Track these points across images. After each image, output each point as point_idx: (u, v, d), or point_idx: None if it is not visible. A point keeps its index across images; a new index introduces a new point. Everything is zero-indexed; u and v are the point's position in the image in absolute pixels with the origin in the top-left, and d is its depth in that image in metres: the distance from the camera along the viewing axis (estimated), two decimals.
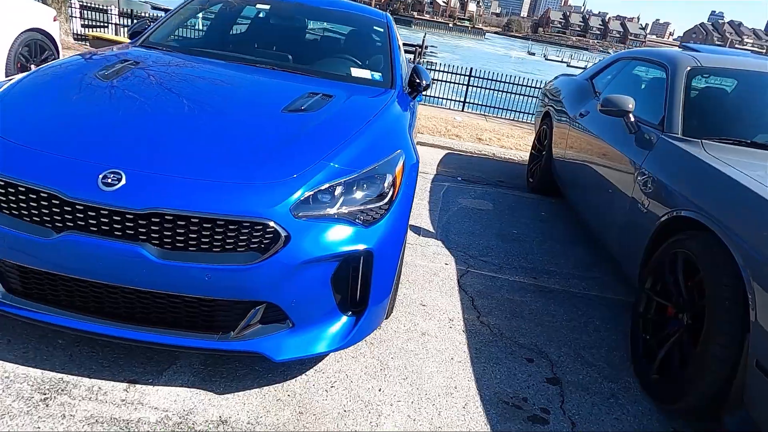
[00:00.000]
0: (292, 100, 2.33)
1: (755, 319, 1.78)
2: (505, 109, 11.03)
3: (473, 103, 10.95)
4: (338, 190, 1.86)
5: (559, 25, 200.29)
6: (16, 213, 1.68)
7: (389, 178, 2.01)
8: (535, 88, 10.85)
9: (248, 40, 3.17)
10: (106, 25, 13.97)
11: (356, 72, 3.02)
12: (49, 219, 1.66)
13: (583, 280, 3.40)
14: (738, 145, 2.64)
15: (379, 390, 2.09)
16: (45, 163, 1.68)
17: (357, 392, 2.06)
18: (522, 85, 10.95)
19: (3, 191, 1.68)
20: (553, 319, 2.86)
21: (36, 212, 1.67)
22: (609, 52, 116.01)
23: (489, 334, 2.61)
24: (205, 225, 1.65)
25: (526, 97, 11.07)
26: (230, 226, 1.67)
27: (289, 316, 1.81)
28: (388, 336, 2.44)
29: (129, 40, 3.15)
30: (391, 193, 1.99)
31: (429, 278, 3.06)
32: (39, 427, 1.65)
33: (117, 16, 13.99)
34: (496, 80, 11.04)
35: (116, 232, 1.65)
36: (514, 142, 7.37)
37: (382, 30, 3.41)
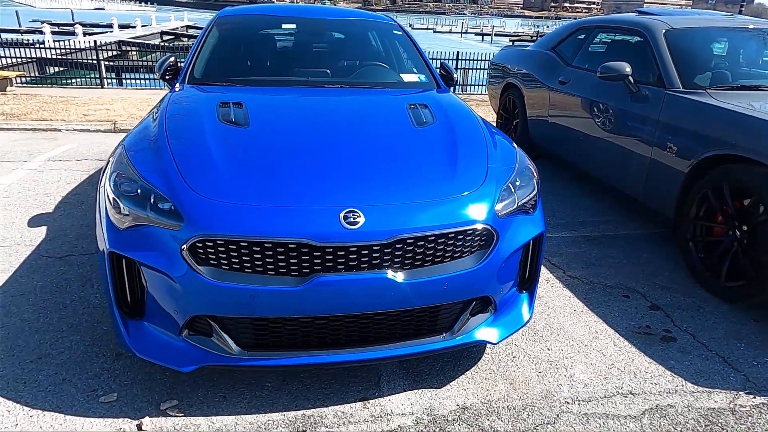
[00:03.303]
0: (408, 114, 2.51)
1: None
2: None
3: None
4: (511, 188, 2.12)
5: None
6: (260, 269, 1.74)
7: (532, 169, 2.31)
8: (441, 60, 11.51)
9: (296, 62, 3.20)
10: None
11: (407, 77, 3.23)
12: (296, 267, 1.75)
13: (609, 224, 3.97)
14: (734, 90, 3.29)
15: (548, 349, 2.43)
16: (287, 215, 1.75)
17: (535, 355, 2.38)
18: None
19: (247, 251, 1.72)
20: (614, 260, 3.38)
21: (283, 264, 1.74)
22: (465, 13, 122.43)
23: (582, 284, 3.05)
24: (439, 240, 1.85)
25: None
26: (458, 236, 1.88)
27: (495, 303, 2.07)
28: None
29: (164, 81, 3.05)
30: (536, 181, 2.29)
31: None
32: None
33: None
34: None
35: (362, 265, 1.79)
36: None
37: (401, 33, 3.61)
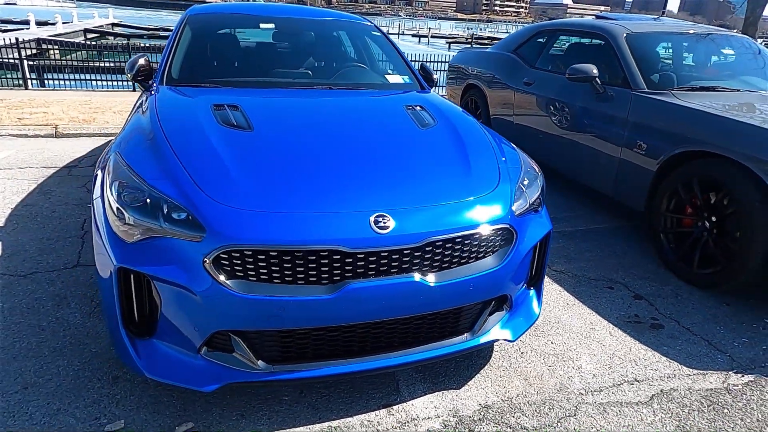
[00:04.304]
0: (409, 116, 2.49)
1: None
2: None
3: None
4: (522, 187, 2.16)
5: None
6: (290, 279, 1.67)
7: (536, 168, 2.36)
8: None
9: (279, 63, 3.09)
10: None
11: (392, 78, 3.20)
12: (327, 275, 1.69)
13: (579, 219, 4.14)
14: (695, 91, 3.52)
15: (552, 343, 2.50)
16: (317, 222, 1.68)
17: (541, 350, 2.44)
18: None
19: (276, 260, 1.64)
20: (592, 254, 3.52)
21: (314, 272, 1.67)
22: (401, 15, 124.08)
23: (569, 278, 3.16)
24: (465, 241, 1.85)
25: None
26: (483, 237, 1.89)
27: (511, 300, 2.10)
28: None
29: (137, 83, 2.86)
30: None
31: None
32: None
33: None
34: None
35: (392, 270, 1.75)
36: None
37: (379, 34, 3.58)
